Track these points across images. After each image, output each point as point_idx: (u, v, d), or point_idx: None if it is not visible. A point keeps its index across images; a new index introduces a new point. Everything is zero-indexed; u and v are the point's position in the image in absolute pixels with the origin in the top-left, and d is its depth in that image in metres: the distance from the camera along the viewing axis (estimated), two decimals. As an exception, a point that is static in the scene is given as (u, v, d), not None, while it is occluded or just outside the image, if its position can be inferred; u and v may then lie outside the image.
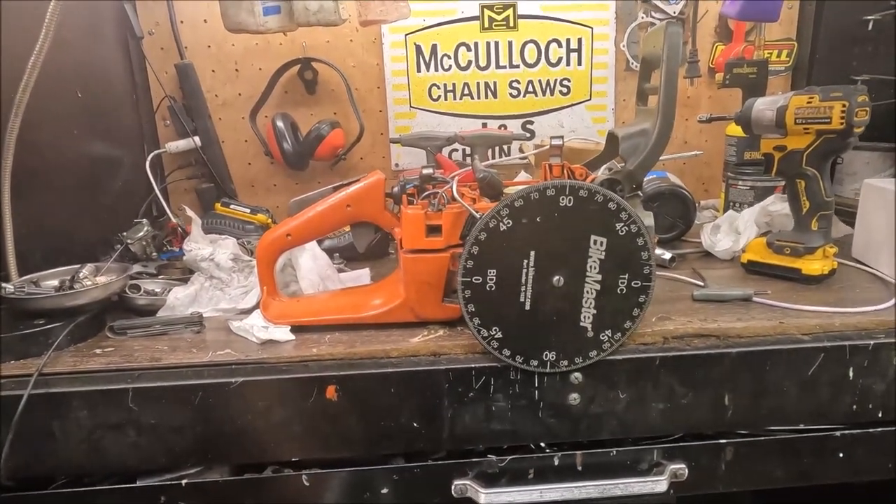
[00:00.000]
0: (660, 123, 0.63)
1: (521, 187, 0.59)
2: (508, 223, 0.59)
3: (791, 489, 0.72)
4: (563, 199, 0.58)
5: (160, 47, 1.21)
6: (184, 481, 0.65)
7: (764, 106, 0.81)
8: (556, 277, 0.60)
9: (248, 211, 1.11)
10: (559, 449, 0.68)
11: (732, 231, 0.94)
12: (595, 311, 0.61)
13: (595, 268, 0.60)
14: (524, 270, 0.60)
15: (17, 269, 0.74)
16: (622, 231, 0.59)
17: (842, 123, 0.73)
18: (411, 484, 0.67)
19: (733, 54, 1.22)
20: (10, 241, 0.73)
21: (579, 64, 1.27)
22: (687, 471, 0.68)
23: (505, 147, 1.25)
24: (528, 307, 0.61)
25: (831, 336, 0.65)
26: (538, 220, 0.59)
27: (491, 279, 0.60)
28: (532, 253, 0.60)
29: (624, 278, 0.61)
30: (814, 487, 0.72)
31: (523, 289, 0.61)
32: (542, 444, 0.68)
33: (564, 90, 1.28)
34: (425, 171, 0.73)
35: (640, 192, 0.68)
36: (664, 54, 0.62)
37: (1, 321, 0.67)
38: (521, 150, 1.26)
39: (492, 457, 0.67)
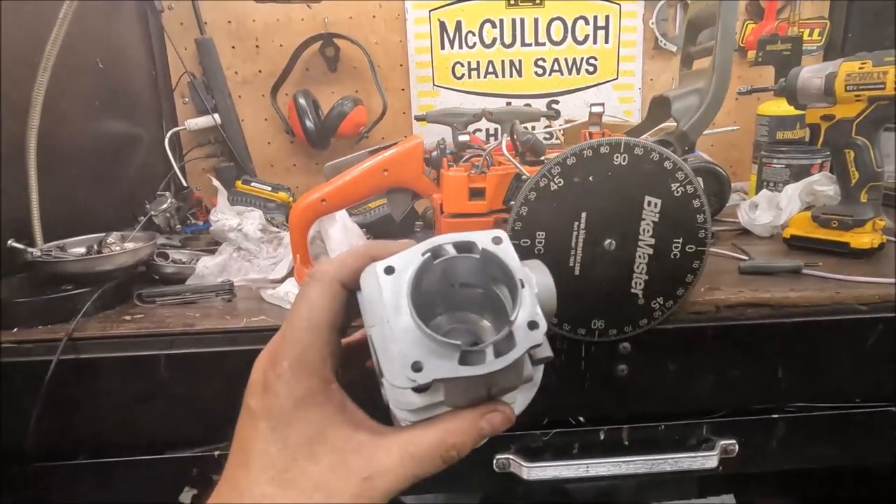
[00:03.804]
0: (715, 80, 0.60)
1: (573, 146, 0.57)
2: (560, 182, 0.56)
3: (840, 470, 0.69)
4: (616, 158, 0.56)
5: (180, 22, 1.18)
6: (216, 453, 0.63)
7: (811, 74, 0.78)
8: (608, 241, 0.58)
9: (270, 189, 1.09)
10: (605, 422, 0.65)
11: (772, 207, 0.91)
12: (647, 278, 0.59)
13: (648, 231, 0.58)
14: (574, 233, 0.58)
15: (43, 237, 0.72)
16: (678, 192, 0.57)
17: (897, 88, 0.70)
18: (451, 458, 0.65)
19: (766, 31, 1.19)
20: (35, 207, 0.71)
21: (606, 42, 1.24)
22: (737, 447, 0.65)
23: (530, 125, 1.22)
24: (577, 272, 0.58)
25: (892, 306, 0.63)
26: (590, 179, 0.56)
27: (540, 242, 0.58)
28: (583, 215, 0.57)
29: (678, 242, 0.58)
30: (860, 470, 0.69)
31: (573, 253, 0.58)
32: (586, 418, 0.66)
33: (591, 69, 1.25)
34: (461, 138, 0.71)
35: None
36: (720, 8, 0.59)
37: (27, 286, 0.65)
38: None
39: (535, 431, 0.65)
